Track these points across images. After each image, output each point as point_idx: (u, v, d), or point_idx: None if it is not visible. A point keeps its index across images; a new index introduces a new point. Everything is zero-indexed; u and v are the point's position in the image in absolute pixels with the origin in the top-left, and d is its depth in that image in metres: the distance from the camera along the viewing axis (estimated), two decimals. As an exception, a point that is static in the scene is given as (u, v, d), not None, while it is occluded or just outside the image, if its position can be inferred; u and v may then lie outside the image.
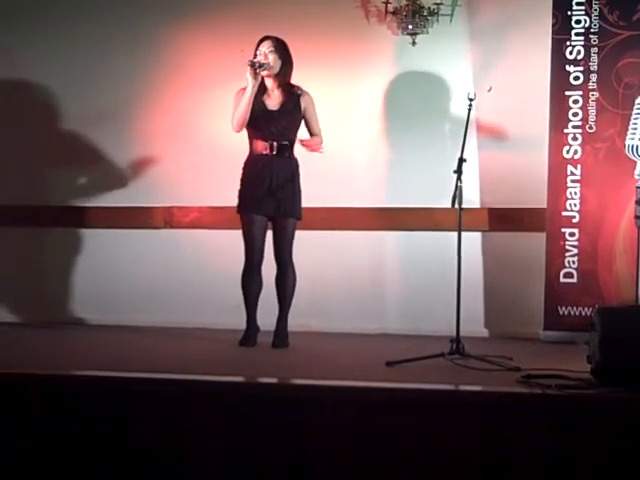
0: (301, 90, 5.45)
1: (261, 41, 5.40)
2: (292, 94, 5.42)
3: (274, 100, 5.43)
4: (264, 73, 5.35)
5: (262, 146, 5.38)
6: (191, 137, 6.43)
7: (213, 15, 6.38)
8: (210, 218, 6.38)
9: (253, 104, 5.35)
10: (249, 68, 5.27)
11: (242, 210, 5.42)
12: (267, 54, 5.35)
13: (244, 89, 5.37)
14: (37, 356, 4.87)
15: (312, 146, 5.41)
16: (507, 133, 6.07)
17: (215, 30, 6.40)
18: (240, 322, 5.44)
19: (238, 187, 5.43)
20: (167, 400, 3.95)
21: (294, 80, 5.48)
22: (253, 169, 5.41)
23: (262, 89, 5.41)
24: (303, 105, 5.43)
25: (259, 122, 5.37)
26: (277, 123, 5.36)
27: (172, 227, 6.49)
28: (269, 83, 5.43)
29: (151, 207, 6.47)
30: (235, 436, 3.87)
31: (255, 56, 5.37)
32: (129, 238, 6.49)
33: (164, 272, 6.40)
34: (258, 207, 5.37)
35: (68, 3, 6.57)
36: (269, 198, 5.36)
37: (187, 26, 6.41)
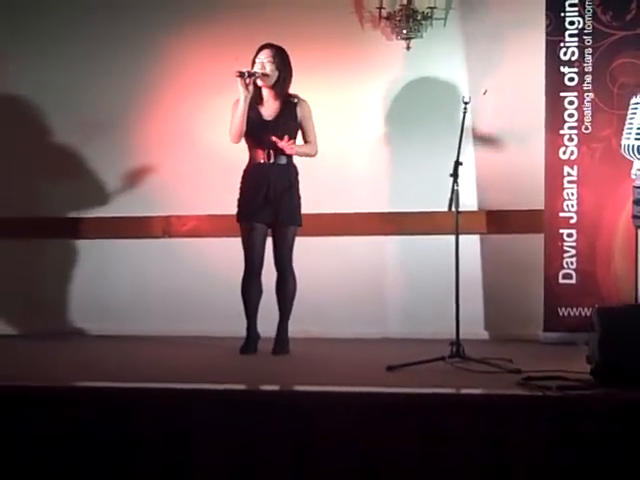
0: (298, 98, 5.44)
1: (260, 49, 5.38)
2: (289, 103, 5.41)
3: (270, 110, 5.42)
4: (260, 83, 5.35)
5: (260, 155, 5.38)
6: (188, 145, 6.44)
7: (209, 22, 6.39)
8: (208, 226, 6.39)
9: (249, 113, 5.35)
10: (239, 79, 5.27)
11: (241, 218, 5.43)
12: (265, 64, 5.34)
13: (239, 100, 5.37)
14: (37, 368, 4.87)
15: (284, 148, 5.29)
16: (500, 142, 6.09)
17: (211, 37, 6.41)
18: (240, 330, 5.44)
19: (237, 196, 5.43)
20: (168, 410, 3.95)
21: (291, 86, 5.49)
22: (251, 177, 5.41)
23: (258, 98, 5.40)
24: (300, 114, 5.42)
25: (255, 132, 5.36)
26: (273, 133, 5.34)
27: (171, 236, 6.49)
28: (265, 93, 5.42)
29: (149, 216, 6.47)
30: (238, 444, 3.87)
31: (253, 64, 5.35)
32: (128, 248, 6.49)
33: (163, 281, 6.41)
34: (257, 215, 5.37)
35: (61, 13, 6.56)
36: (268, 206, 5.36)
37: (183, 33, 6.41)
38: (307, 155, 5.46)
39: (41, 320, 6.50)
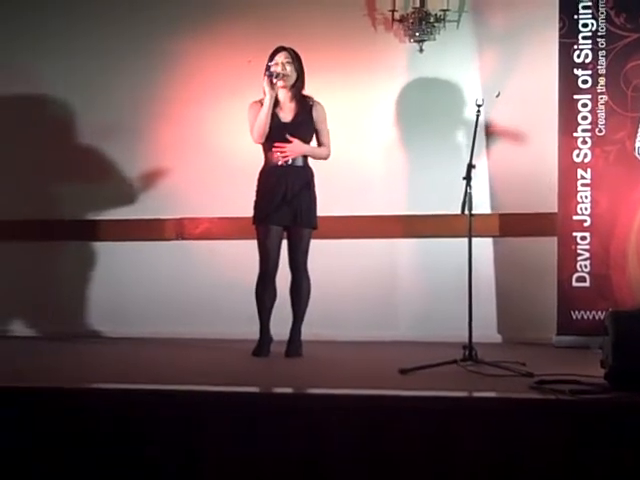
0: (313, 101, 5.44)
1: (276, 52, 5.38)
2: (305, 105, 5.42)
3: (287, 112, 5.42)
4: (280, 84, 5.35)
5: (277, 157, 5.37)
6: (200, 148, 6.45)
7: (221, 26, 6.40)
8: (221, 229, 6.40)
9: None
10: (266, 77, 5.27)
11: (258, 221, 5.40)
12: (285, 64, 5.35)
13: (257, 102, 5.38)
14: (53, 369, 4.88)
15: (284, 152, 5.32)
16: (521, 136, 6.07)
17: (223, 41, 6.42)
18: (253, 332, 5.42)
19: (254, 198, 5.40)
20: (182, 412, 3.95)
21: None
22: (269, 180, 5.39)
23: (275, 101, 5.40)
24: (315, 116, 5.42)
25: (273, 134, 5.35)
26: (292, 135, 5.32)
27: (183, 239, 6.51)
28: (282, 95, 5.41)
29: (162, 219, 6.49)
30: (251, 446, 3.87)
31: (269, 67, 5.34)
32: (141, 250, 6.51)
33: (177, 284, 6.42)
34: (274, 217, 5.35)
35: (73, 16, 6.59)
36: (285, 208, 5.34)
37: (195, 36, 6.43)
38: (320, 157, 5.46)
39: (56, 322, 6.51)
